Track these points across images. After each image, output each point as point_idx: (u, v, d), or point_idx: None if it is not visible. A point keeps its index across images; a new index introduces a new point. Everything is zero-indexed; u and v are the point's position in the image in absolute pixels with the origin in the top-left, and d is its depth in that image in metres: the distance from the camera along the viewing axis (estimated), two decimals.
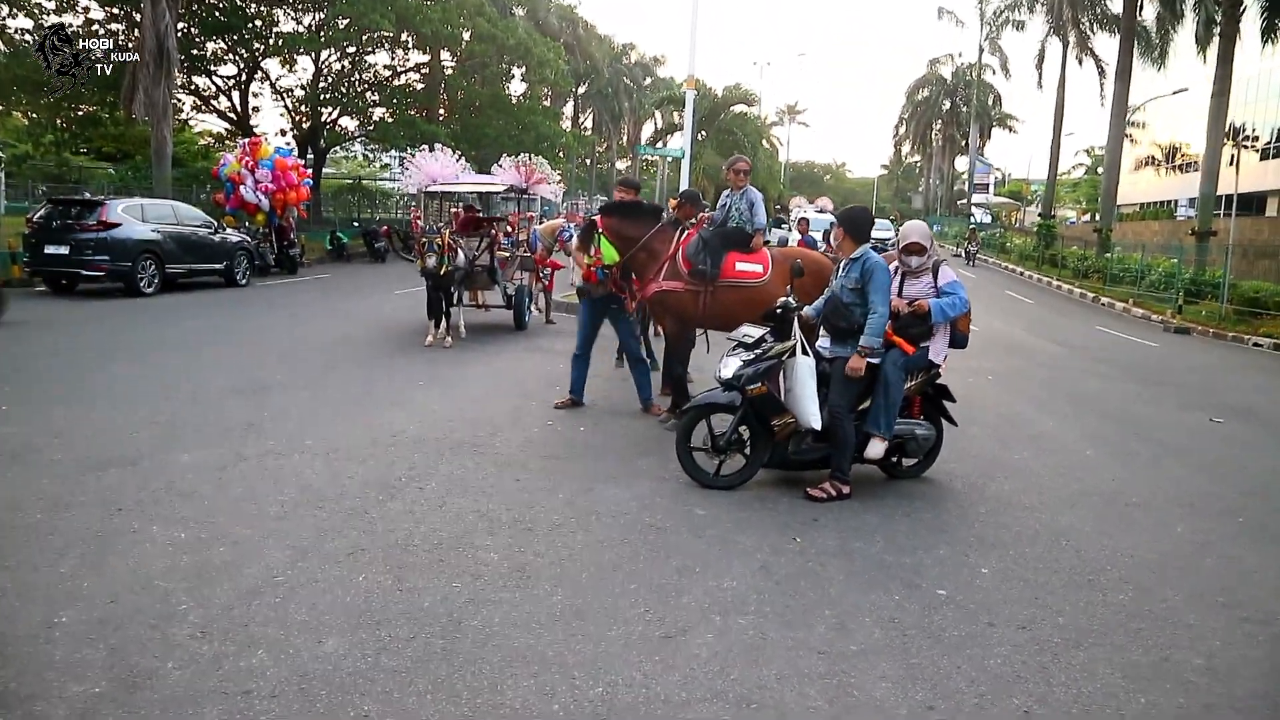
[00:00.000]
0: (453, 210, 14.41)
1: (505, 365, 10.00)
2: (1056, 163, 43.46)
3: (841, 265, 5.77)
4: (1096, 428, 8.51)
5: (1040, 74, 41.39)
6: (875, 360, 5.58)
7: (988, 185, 75.03)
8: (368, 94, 31.03)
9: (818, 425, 5.45)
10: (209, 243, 16.42)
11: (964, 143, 69.50)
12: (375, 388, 8.28)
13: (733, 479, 5.60)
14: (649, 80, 76.86)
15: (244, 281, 17.20)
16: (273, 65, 30.32)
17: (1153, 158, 54.18)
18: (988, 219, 63.77)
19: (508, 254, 12.92)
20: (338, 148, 36.31)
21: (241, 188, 17.91)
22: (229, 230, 17.46)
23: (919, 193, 75.67)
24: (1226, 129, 45.56)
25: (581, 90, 60.85)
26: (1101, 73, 38.49)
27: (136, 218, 15.13)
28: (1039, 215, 43.23)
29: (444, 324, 11.37)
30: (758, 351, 5.47)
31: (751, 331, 5.59)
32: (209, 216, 17.51)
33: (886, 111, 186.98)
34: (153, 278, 15.02)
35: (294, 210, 19.80)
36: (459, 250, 11.49)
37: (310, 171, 21.92)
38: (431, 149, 12.92)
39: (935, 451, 6.19)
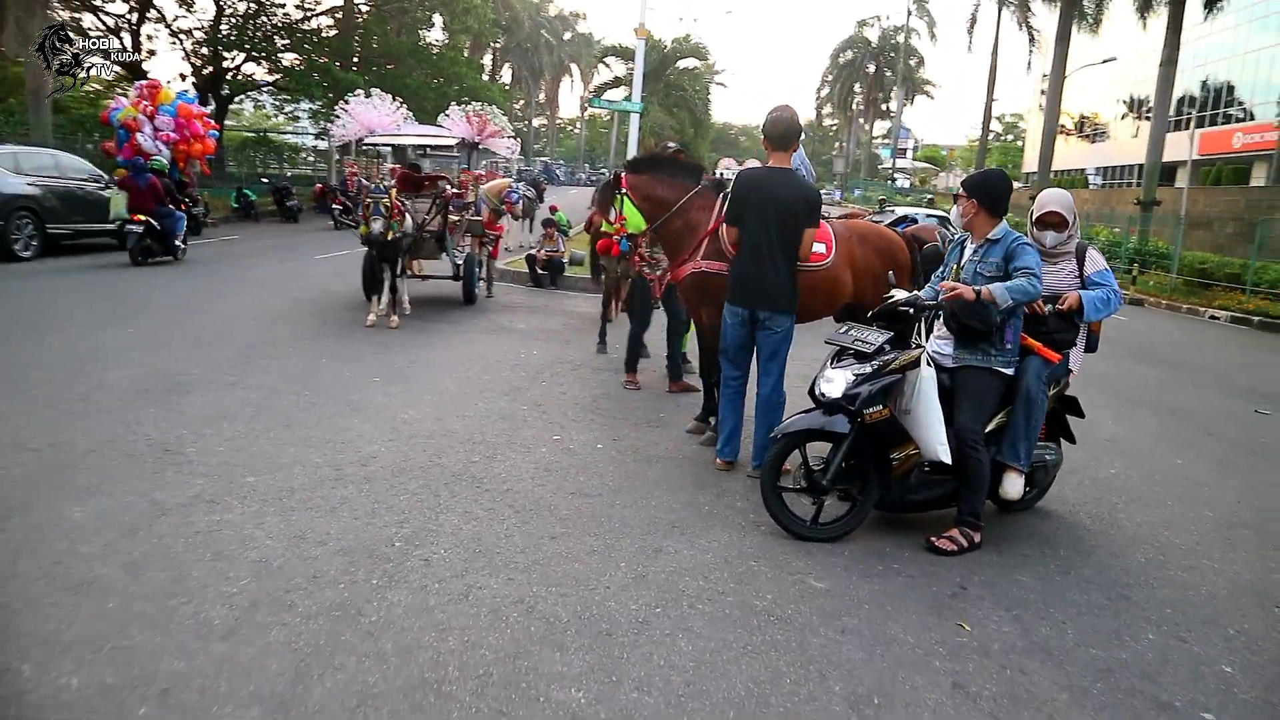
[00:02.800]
0: (389, 167, 12.56)
1: (468, 351, 8.42)
2: (988, 127, 43.33)
3: (970, 247, 4.45)
4: (1159, 426, 7.51)
5: (971, 37, 41.03)
6: (1006, 370, 4.31)
7: (906, 150, 75.27)
8: (276, 38, 28.21)
9: (947, 458, 4.15)
10: (99, 199, 14.09)
11: (883, 107, 69.31)
12: (320, 385, 6.64)
13: (836, 528, 4.26)
14: (569, 35, 74.31)
15: None
16: (168, 3, 27.25)
17: (1062, 126, 54.80)
18: (907, 184, 63.80)
19: (456, 218, 11.22)
20: (241, 97, 33.22)
21: (138, 135, 15.50)
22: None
23: (839, 156, 75.29)
24: (1128, 100, 46.65)
25: (499, 44, 57.96)
26: (1032, 39, 38.29)
27: (8, 168, 12.83)
28: None
29: (386, 299, 9.70)
30: (876, 364, 4.11)
31: (867, 337, 4.21)
32: (99, 170, 15.17)
33: (805, 73, 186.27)
34: (30, 239, 12.80)
35: (197, 164, 17.46)
36: (406, 214, 9.80)
37: (215, 122, 19.44)
38: (368, 94, 11.06)
39: (1053, 479, 5.00)
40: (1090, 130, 51.60)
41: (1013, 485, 4.41)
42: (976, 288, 4.15)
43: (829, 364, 4.26)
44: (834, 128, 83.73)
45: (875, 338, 4.15)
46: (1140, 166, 45.29)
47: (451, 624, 3.15)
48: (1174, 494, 5.57)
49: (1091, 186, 46.99)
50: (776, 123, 5.13)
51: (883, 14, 65.50)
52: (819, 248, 5.40)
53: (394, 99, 11.40)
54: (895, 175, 64.24)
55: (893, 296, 4.32)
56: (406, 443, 5.32)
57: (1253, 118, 37.35)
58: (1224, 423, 7.88)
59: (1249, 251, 22.47)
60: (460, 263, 11.38)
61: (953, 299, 4.13)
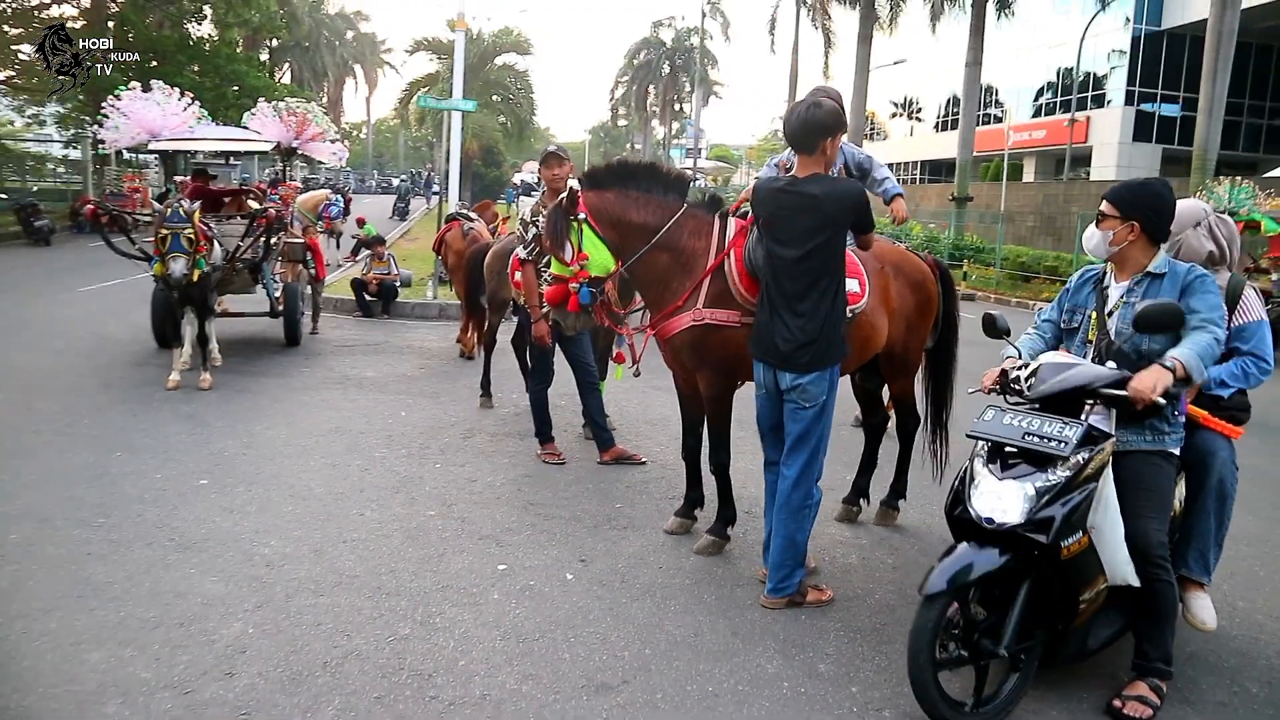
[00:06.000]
0: (178, 180, 10.08)
1: (318, 421, 6.44)
2: None
3: (1119, 286, 3.17)
4: None
5: (773, 38, 41.62)
6: (1176, 450, 3.10)
7: (701, 150, 76.37)
8: (5, 26, 23.75)
9: (1136, 579, 2.89)
10: None
11: (677, 107, 69.77)
12: (120, 501, 4.54)
13: (999, 708, 2.85)
14: (351, 34, 69.91)
15: None
16: None
17: None
18: (701, 183, 64.46)
19: (276, 241, 9.06)
20: None
21: None
22: None
23: (634, 157, 74.99)
24: (902, 102, 49.60)
25: (275, 41, 53.11)
26: (829, 42, 39.35)
27: None
28: None
29: (190, 351, 7.50)
30: (1068, 471, 2.73)
31: (1051, 430, 2.80)
32: None
33: (601, 74, 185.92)
34: None
35: None
36: (214, 242, 7.61)
37: None
38: (147, 88, 8.68)
39: None
40: (869, 130, 54.36)
41: (1205, 609, 3.21)
42: (1168, 364, 2.84)
43: (986, 469, 2.85)
44: (625, 128, 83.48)
45: (1067, 432, 2.75)
46: (917, 164, 48.56)
47: None
48: (1265, 557, 4.63)
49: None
50: (790, 118, 3.68)
51: (678, 15, 65.42)
52: (852, 285, 3.98)
53: (182, 95, 9.06)
54: (697, 175, 64.70)
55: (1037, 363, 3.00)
56: (284, 610, 3.44)
57: (1004, 119, 40.13)
58: None
59: (1048, 243, 23.66)
60: (278, 295, 9.21)
61: (1144, 398, 2.80)
